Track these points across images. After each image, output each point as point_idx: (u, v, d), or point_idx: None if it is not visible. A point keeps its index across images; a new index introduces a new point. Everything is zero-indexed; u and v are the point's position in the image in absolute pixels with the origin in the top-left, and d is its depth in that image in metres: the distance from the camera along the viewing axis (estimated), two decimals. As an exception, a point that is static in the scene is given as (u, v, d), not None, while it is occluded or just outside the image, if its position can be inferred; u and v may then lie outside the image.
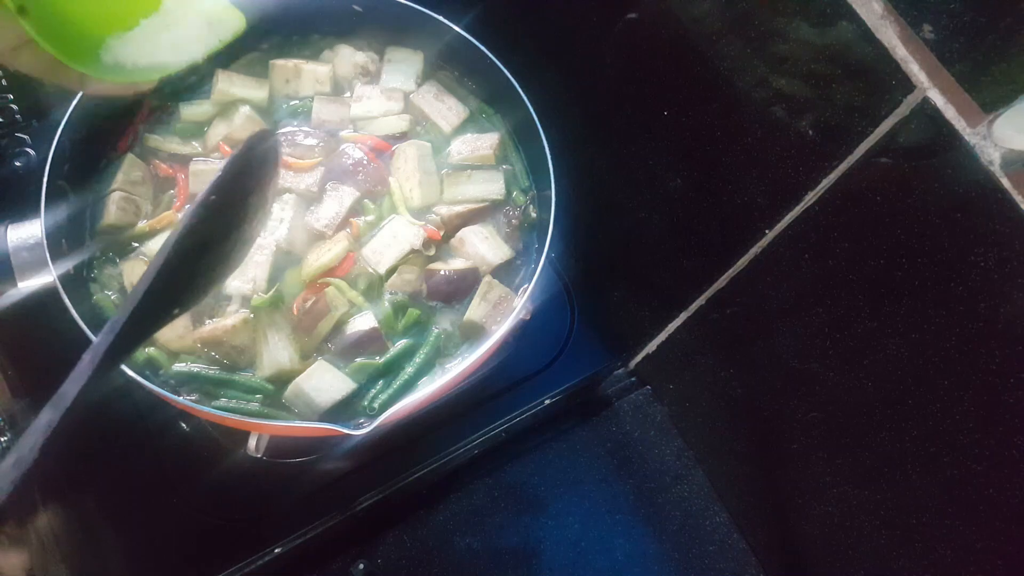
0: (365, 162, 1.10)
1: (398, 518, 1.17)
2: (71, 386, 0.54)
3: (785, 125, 0.85)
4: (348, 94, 1.18)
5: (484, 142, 1.16)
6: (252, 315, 1.00)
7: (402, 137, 1.15)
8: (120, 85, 0.70)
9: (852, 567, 1.03)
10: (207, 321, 1.00)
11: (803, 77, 0.81)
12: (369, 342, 1.01)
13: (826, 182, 0.83)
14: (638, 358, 1.31)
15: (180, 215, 1.04)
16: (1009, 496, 0.78)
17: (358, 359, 1.02)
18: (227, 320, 0.99)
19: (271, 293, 1.01)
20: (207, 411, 0.92)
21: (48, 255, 0.91)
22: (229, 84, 1.13)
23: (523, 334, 1.22)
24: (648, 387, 1.33)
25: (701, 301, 1.10)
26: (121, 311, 0.59)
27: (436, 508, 1.19)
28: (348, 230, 1.07)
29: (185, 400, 0.93)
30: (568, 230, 1.15)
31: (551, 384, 1.23)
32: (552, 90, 1.18)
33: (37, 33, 0.59)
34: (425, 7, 1.14)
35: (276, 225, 1.04)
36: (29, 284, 0.94)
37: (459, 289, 1.06)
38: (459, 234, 1.09)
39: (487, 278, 1.07)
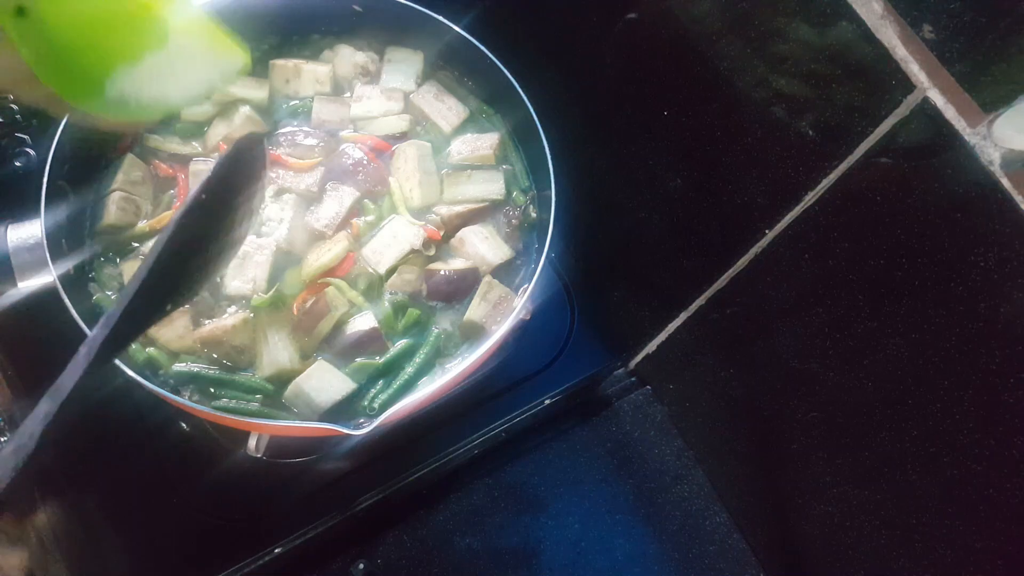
0: (365, 162, 1.10)
1: (398, 518, 1.17)
2: (68, 378, 0.56)
3: (785, 125, 0.85)
4: (348, 94, 1.18)
5: (484, 142, 1.16)
6: (252, 315, 1.00)
7: (402, 137, 1.15)
8: (122, 123, 0.70)
9: (852, 567, 1.03)
10: (207, 321, 1.00)
11: (803, 77, 0.81)
12: (369, 342, 1.01)
13: (826, 182, 0.83)
14: (638, 358, 1.31)
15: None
16: (1009, 496, 0.78)
17: (358, 359, 1.02)
18: (227, 320, 0.99)
19: (271, 293, 1.01)
20: (207, 411, 0.92)
21: (48, 255, 0.91)
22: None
23: (523, 334, 1.22)
24: (648, 387, 1.33)
25: (701, 301, 1.10)
26: (116, 305, 0.60)
27: (436, 508, 1.19)
28: (348, 230, 1.07)
29: (185, 400, 0.93)
30: (568, 230, 1.16)
31: (551, 384, 1.23)
32: (552, 90, 1.18)
33: (37, 68, 0.59)
34: (425, 7, 1.14)
35: (276, 225, 1.05)
36: (29, 284, 0.95)
37: (459, 289, 1.06)
38: (459, 234, 1.10)
39: (487, 278, 1.07)
